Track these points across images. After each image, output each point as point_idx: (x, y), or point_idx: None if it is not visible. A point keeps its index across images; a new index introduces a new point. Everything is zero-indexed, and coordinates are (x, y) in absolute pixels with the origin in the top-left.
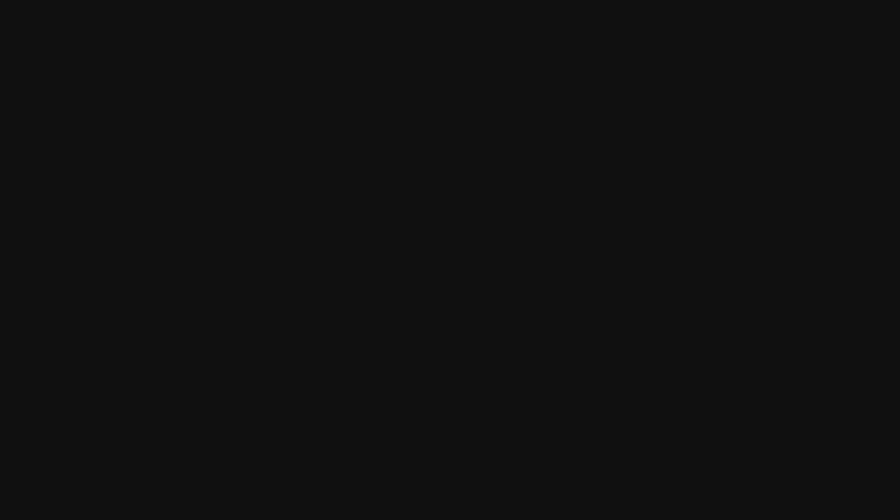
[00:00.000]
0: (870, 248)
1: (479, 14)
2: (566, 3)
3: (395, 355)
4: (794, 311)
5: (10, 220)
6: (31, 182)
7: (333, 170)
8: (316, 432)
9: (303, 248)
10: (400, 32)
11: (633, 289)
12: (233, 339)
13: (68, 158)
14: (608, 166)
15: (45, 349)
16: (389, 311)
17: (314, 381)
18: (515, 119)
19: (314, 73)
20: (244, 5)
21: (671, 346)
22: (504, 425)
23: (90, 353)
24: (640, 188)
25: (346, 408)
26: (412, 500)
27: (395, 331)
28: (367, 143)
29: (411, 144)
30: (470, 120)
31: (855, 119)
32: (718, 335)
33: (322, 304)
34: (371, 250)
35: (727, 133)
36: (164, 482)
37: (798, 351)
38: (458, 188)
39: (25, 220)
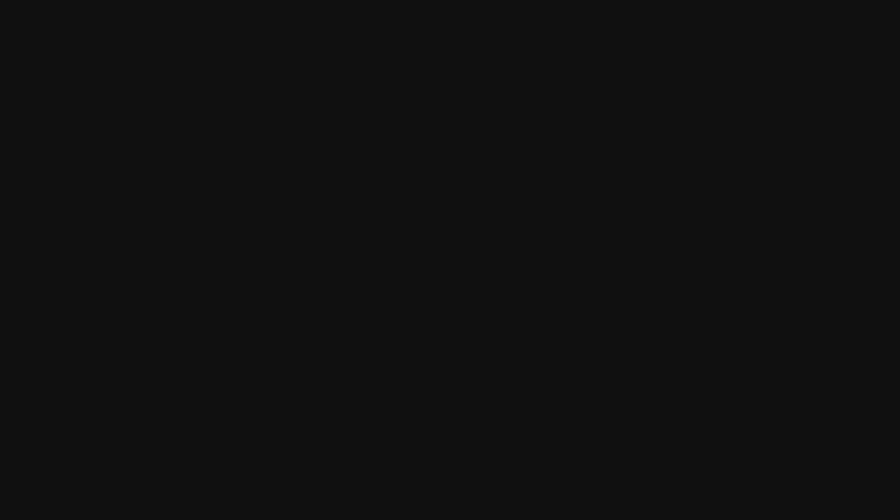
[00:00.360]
0: (870, 248)
1: (478, 14)
2: (566, 3)
3: (395, 355)
4: (795, 312)
5: (10, 220)
6: (31, 182)
7: (333, 170)
8: (316, 432)
9: (303, 248)
10: (400, 32)
11: (633, 289)
12: (233, 339)
13: (68, 158)
14: (608, 166)
15: (46, 349)
16: (389, 311)
17: (314, 382)
18: (515, 119)
19: (314, 73)
20: (244, 5)
21: (671, 347)
22: (504, 425)
23: (90, 354)
24: (641, 188)
25: (347, 408)
26: (412, 500)
27: (396, 331)
28: (367, 143)
29: (411, 144)
30: (470, 120)
31: (855, 119)
32: (718, 335)
33: (322, 305)
34: (371, 250)
35: (727, 133)
36: (165, 482)
37: (798, 351)
38: (458, 188)
39: (25, 220)
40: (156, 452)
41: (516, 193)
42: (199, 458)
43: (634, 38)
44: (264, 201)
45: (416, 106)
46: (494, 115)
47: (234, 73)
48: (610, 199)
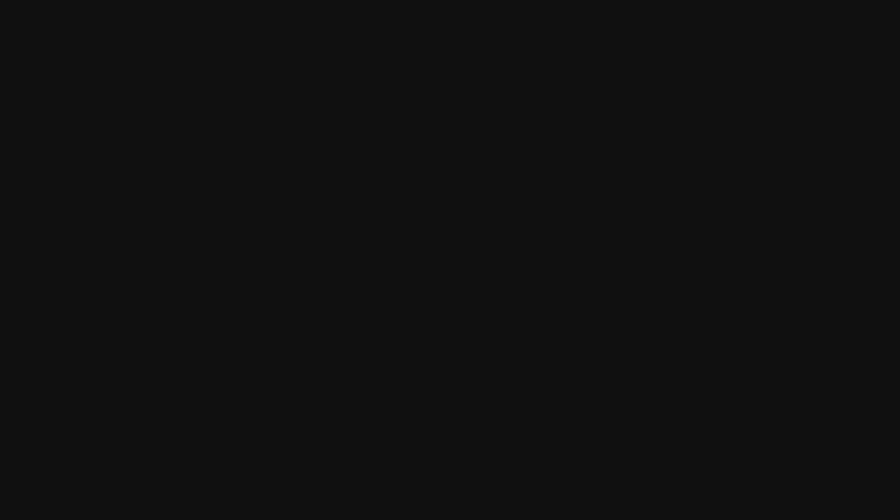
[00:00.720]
0: (870, 248)
1: (478, 14)
2: (566, 3)
3: (395, 355)
4: (795, 312)
5: (10, 220)
6: (31, 182)
7: (333, 170)
8: (316, 432)
9: (303, 248)
10: (400, 32)
11: (633, 289)
12: (233, 339)
13: (68, 158)
14: (608, 166)
15: (45, 349)
16: (389, 311)
17: (314, 382)
18: (515, 119)
19: (314, 73)
20: (244, 5)
21: (671, 347)
22: (504, 425)
23: (90, 353)
24: (641, 188)
25: (347, 408)
26: (412, 500)
27: (396, 331)
28: (367, 143)
29: (411, 144)
30: (470, 120)
31: (855, 119)
32: (718, 335)
33: (322, 305)
34: (371, 250)
35: (727, 133)
36: (165, 482)
37: (798, 351)
38: (458, 188)
39: (25, 220)
40: (156, 452)
41: (516, 193)
42: (200, 459)
43: (634, 38)
44: (264, 201)
45: (417, 106)
46: (494, 116)
47: (234, 74)
48: (610, 199)
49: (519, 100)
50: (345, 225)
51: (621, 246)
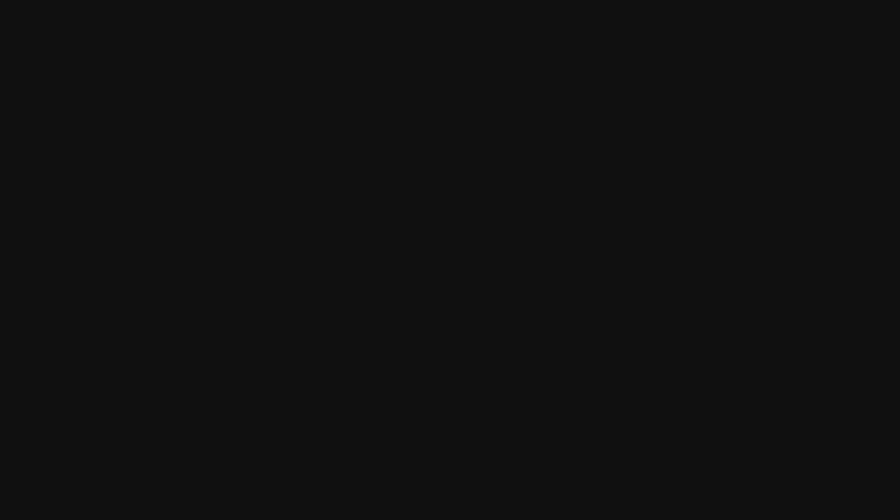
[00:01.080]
0: (870, 248)
1: (478, 14)
2: (566, 3)
3: (395, 355)
4: (795, 312)
5: (10, 220)
6: (31, 182)
7: (333, 170)
8: (316, 432)
9: (303, 248)
10: (400, 32)
11: (633, 289)
12: (233, 339)
13: (68, 158)
14: (608, 166)
15: (46, 349)
16: (389, 312)
17: (314, 382)
18: (515, 119)
19: (314, 73)
20: (244, 5)
21: (671, 347)
22: (504, 425)
23: (90, 353)
24: (641, 188)
25: (347, 408)
26: (412, 500)
27: (396, 331)
28: (367, 143)
29: (411, 144)
30: (470, 120)
31: (855, 119)
32: (718, 335)
33: (322, 305)
34: (371, 250)
35: (727, 133)
36: (164, 482)
37: (798, 351)
38: (458, 188)
39: (25, 220)
40: (156, 452)
41: (516, 194)
42: (200, 459)
43: (634, 38)
44: (264, 201)
45: (417, 106)
46: (494, 116)
47: (234, 74)
48: (610, 199)
49: (519, 100)
50: (345, 225)
51: (621, 246)
